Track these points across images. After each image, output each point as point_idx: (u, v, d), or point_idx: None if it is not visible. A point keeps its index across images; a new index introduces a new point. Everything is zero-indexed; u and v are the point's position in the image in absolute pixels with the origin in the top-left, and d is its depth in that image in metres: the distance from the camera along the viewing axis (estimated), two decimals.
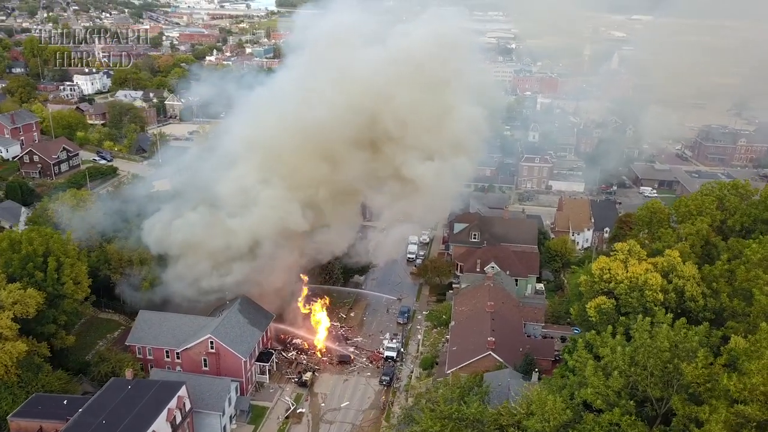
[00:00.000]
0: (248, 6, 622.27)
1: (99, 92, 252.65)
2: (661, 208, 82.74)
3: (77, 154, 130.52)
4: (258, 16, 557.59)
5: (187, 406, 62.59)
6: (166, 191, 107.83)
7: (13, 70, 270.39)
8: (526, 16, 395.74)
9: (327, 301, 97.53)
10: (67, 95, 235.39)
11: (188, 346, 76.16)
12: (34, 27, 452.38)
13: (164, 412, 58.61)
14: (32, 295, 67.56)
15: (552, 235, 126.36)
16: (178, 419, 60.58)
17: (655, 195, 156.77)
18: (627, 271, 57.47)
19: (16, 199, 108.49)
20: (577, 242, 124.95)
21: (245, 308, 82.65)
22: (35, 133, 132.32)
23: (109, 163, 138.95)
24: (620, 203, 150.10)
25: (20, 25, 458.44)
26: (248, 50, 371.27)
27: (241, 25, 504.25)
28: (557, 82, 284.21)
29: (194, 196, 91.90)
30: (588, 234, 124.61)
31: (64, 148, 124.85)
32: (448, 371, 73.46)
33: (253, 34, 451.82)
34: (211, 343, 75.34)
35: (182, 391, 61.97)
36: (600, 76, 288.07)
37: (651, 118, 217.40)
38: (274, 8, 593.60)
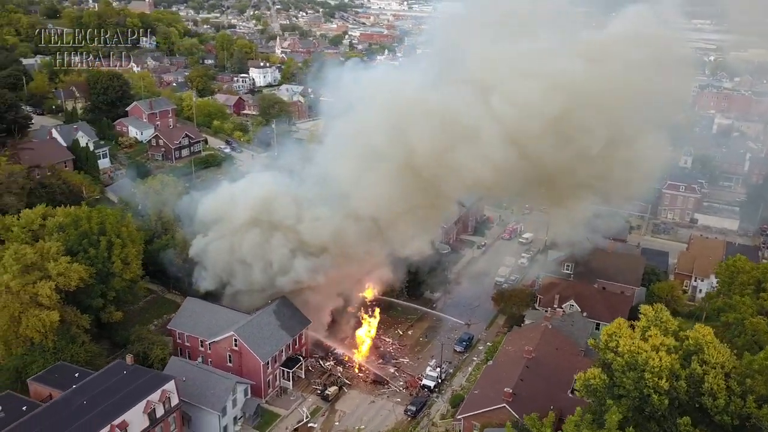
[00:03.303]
0: (434, 8, 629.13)
1: (269, 85, 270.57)
2: (745, 268, 65.38)
3: (199, 141, 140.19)
4: (441, 18, 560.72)
5: (173, 401, 62.72)
6: None
7: (206, 62, 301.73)
8: (744, 25, 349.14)
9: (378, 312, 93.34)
10: (238, 87, 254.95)
11: (216, 339, 77.05)
12: (240, 24, 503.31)
13: (142, 403, 59.18)
14: (76, 270, 72.28)
15: (672, 278, 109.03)
16: (159, 412, 60.90)
17: None
18: (633, 344, 45.31)
19: (134, 178, 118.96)
20: (700, 290, 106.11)
21: (281, 310, 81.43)
22: (170, 119, 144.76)
23: (234, 153, 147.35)
24: None
25: (230, 21, 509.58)
26: (419, 51, 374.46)
27: (422, 27, 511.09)
28: (750, 100, 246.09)
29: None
30: (714, 281, 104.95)
31: (186, 135, 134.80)
32: (459, 416, 65.84)
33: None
34: (235, 340, 75.46)
35: (169, 386, 62.23)
36: None
37: None
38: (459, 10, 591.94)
